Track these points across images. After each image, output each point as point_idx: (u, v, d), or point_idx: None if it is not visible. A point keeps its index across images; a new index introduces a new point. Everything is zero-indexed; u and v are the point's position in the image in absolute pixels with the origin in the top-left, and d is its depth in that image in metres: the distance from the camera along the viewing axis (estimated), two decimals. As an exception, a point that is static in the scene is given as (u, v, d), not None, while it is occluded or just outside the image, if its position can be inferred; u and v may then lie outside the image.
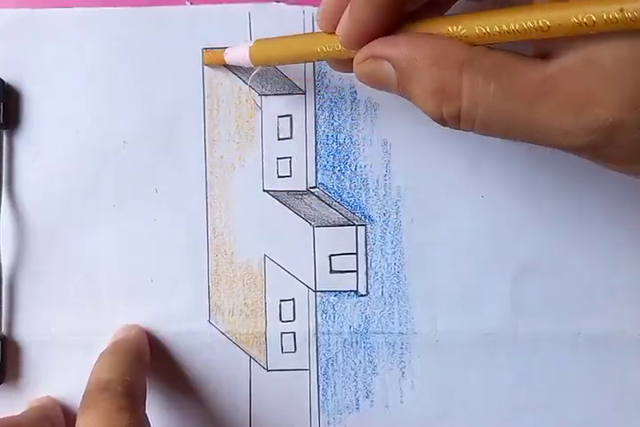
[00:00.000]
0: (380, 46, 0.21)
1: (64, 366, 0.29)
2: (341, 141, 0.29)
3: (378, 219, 0.29)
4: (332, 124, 0.29)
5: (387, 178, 0.29)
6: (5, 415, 0.27)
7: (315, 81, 0.29)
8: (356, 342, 0.29)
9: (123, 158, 0.29)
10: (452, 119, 0.20)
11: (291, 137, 0.29)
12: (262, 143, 0.29)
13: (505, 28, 0.19)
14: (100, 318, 0.29)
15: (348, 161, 0.29)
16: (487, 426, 0.29)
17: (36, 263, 0.29)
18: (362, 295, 0.29)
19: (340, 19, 0.22)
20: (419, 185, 0.29)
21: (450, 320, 0.29)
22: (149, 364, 0.28)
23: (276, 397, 0.29)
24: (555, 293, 0.29)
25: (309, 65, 0.29)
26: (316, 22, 0.26)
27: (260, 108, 0.28)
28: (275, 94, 0.29)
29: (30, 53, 0.29)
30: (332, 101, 0.29)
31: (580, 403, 0.29)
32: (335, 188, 0.29)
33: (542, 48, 0.19)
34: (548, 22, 0.18)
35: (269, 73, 0.29)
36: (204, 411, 0.30)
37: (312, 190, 0.29)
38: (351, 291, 0.29)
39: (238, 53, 0.27)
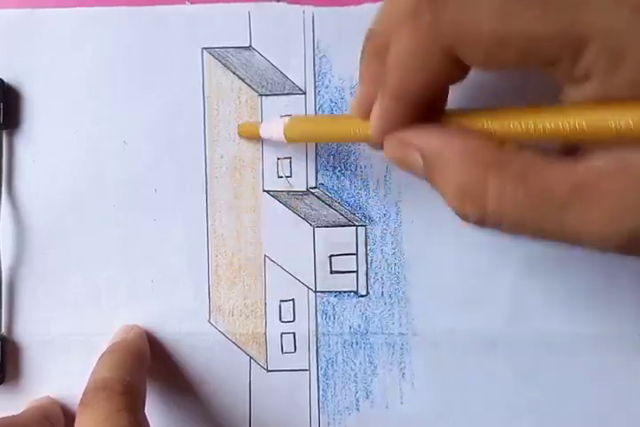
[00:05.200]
0: (410, 136, 0.21)
1: (64, 366, 0.29)
2: (341, 142, 0.29)
3: (378, 219, 0.29)
4: (333, 124, 0.29)
5: (387, 178, 0.29)
6: (5, 415, 0.27)
7: (315, 81, 0.29)
8: (356, 343, 0.29)
9: (123, 158, 0.29)
10: (476, 219, 0.20)
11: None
12: (262, 143, 0.29)
13: (540, 126, 0.18)
14: (100, 318, 0.29)
15: (348, 161, 0.29)
16: (487, 426, 0.29)
17: (36, 263, 0.29)
18: (362, 296, 0.29)
19: (371, 106, 0.22)
20: (419, 185, 0.29)
21: (450, 320, 0.29)
22: (149, 364, 0.28)
23: (276, 397, 0.29)
24: (555, 293, 0.29)
25: (309, 65, 0.29)
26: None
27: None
28: (275, 94, 0.29)
29: (30, 53, 0.29)
30: (332, 101, 0.29)
31: (580, 403, 0.29)
32: (335, 188, 0.29)
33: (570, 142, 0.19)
34: (584, 125, 0.18)
35: (269, 73, 0.29)
36: (204, 411, 0.30)
37: (312, 191, 0.29)
38: (351, 291, 0.29)
39: (273, 129, 0.27)
